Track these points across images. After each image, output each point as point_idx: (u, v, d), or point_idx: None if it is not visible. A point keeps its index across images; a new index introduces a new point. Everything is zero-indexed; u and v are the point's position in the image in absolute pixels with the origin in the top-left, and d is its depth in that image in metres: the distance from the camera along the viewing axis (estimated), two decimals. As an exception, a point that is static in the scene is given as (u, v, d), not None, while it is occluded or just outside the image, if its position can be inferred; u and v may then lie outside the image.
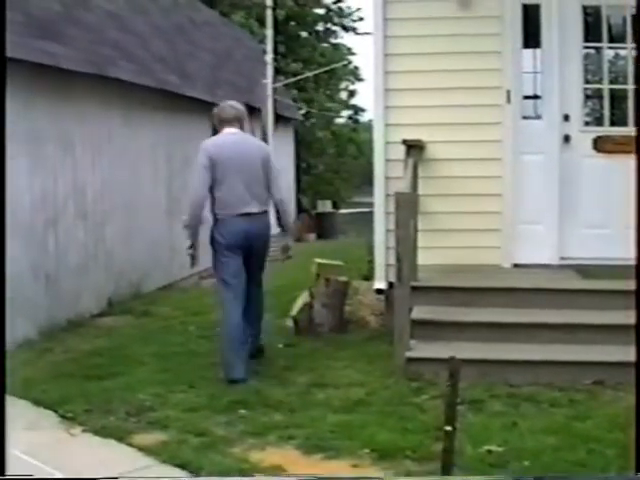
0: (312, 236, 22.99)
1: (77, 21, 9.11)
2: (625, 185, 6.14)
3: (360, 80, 33.59)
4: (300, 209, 24.36)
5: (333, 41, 32.58)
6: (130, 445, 4.60)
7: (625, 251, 5.43)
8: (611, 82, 7.20)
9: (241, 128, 6.14)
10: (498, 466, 4.10)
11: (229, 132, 6.08)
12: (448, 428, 3.51)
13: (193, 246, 5.94)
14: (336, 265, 7.65)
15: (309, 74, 26.44)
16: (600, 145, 7.15)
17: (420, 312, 6.09)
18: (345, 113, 34.07)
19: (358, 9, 31.78)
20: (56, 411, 5.15)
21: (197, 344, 7.01)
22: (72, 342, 7.25)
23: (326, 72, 28.05)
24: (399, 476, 4.10)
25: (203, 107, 12.04)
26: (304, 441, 4.57)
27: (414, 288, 6.05)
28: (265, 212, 6.05)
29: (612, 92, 7.20)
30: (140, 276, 10.01)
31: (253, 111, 16.28)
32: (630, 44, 6.98)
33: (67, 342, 7.25)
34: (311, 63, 28.59)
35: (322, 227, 24.51)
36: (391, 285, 6.67)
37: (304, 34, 30.69)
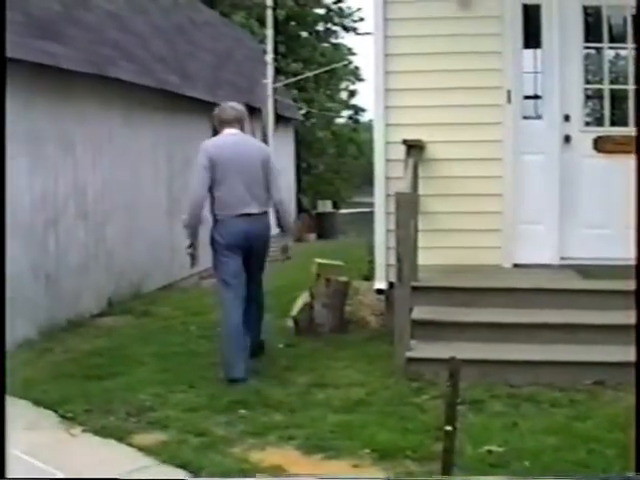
0: (312, 236, 22.98)
1: (77, 21, 9.11)
2: (625, 185, 6.14)
3: (360, 80, 33.62)
4: (300, 209, 24.36)
5: (333, 41, 32.57)
6: (130, 445, 4.60)
7: (625, 251, 5.42)
8: (611, 82, 7.20)
9: (241, 129, 6.16)
10: (498, 466, 4.10)
11: (229, 133, 6.09)
12: (448, 428, 3.50)
13: (193, 246, 5.96)
14: (336, 265, 7.65)
15: (309, 74, 26.43)
16: (600, 145, 7.14)
17: (420, 312, 6.09)
18: (345, 113, 34.07)
19: (358, 9, 31.85)
20: (56, 411, 5.15)
21: (197, 344, 7.01)
22: (72, 342, 7.25)
23: (326, 72, 28.05)
24: (399, 476, 4.10)
25: (203, 107, 12.04)
26: (304, 441, 4.57)
27: (414, 288, 6.05)
28: (265, 213, 6.05)
29: (612, 92, 7.20)
30: (140, 276, 10.01)
31: (253, 111, 16.28)
32: (630, 44, 6.98)
33: (67, 342, 7.25)
34: (311, 63, 28.58)
35: (322, 227, 24.49)
36: (391, 285, 6.67)
37: (304, 34, 30.69)
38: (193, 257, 5.99)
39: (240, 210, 5.86)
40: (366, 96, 36.59)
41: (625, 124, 7.01)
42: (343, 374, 5.88)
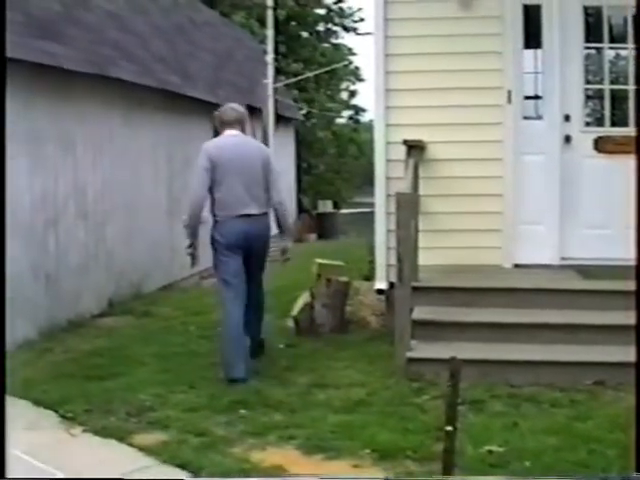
0: (313, 236, 22.97)
1: (77, 21, 9.11)
2: (626, 185, 6.14)
3: (361, 80, 33.63)
4: (301, 209, 24.36)
5: (334, 41, 32.59)
6: (130, 445, 4.60)
7: (626, 251, 5.43)
8: (612, 82, 7.20)
9: (242, 130, 6.19)
10: (499, 466, 4.10)
11: (230, 134, 6.11)
12: (449, 428, 3.50)
13: (193, 245, 5.97)
14: (337, 265, 7.65)
15: (310, 74, 26.43)
16: (601, 145, 7.14)
17: (421, 312, 6.09)
18: (346, 113, 34.08)
19: (359, 9, 31.86)
20: (56, 411, 5.15)
21: (198, 344, 7.01)
22: (72, 342, 7.25)
23: (327, 72, 28.05)
24: (400, 476, 4.10)
25: (204, 107, 12.06)
26: (305, 441, 4.57)
27: (415, 288, 6.05)
28: (265, 214, 6.07)
29: (613, 92, 7.19)
30: (141, 276, 10.01)
31: (254, 111, 16.28)
32: (631, 44, 6.97)
33: (67, 342, 7.25)
34: (312, 63, 28.58)
35: (323, 227, 24.49)
36: (392, 285, 6.67)
37: (305, 34, 30.69)
38: (193, 257, 6.00)
39: (239, 211, 5.88)
40: (366, 96, 36.62)
41: (625, 124, 7.01)
42: (343, 374, 5.88)
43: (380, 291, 7.18)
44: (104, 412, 5.10)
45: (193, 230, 5.94)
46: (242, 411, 5.08)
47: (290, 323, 7.38)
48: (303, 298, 7.40)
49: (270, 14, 21.58)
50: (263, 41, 21.99)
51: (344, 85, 34.02)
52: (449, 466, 3.53)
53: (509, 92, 7.04)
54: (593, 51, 7.30)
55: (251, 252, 5.97)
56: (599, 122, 7.30)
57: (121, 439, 4.67)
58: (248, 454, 4.42)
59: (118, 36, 10.28)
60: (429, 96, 7.07)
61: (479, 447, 4.29)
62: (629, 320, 4.69)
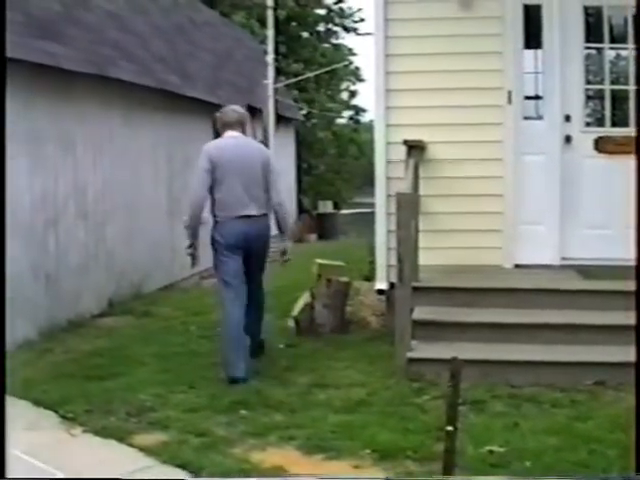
0: (313, 237, 22.96)
1: (77, 21, 9.11)
2: (626, 186, 6.15)
3: (361, 81, 33.62)
4: (301, 209, 24.34)
5: (334, 42, 32.56)
6: (131, 445, 4.60)
7: (626, 252, 5.44)
8: (612, 83, 7.20)
9: (243, 132, 6.21)
10: (499, 466, 4.10)
11: (231, 135, 6.12)
12: (449, 428, 3.50)
13: (193, 246, 5.99)
14: (337, 266, 7.65)
15: (310, 74, 26.43)
16: (601, 146, 7.14)
17: (421, 312, 6.09)
18: (346, 114, 34.06)
19: (359, 10, 31.82)
20: (56, 411, 5.15)
21: (198, 344, 7.01)
22: (72, 342, 7.25)
23: (327, 72, 28.03)
24: (400, 476, 4.10)
25: (204, 107, 12.06)
26: (305, 441, 4.57)
27: (415, 289, 6.05)
28: (265, 215, 6.08)
29: (613, 93, 7.19)
30: (141, 276, 10.01)
31: (254, 112, 16.28)
32: (631, 45, 6.97)
33: (67, 342, 7.24)
34: (312, 63, 28.57)
35: (323, 228, 24.47)
36: (392, 286, 6.67)
37: (305, 34, 30.68)
38: (193, 257, 6.02)
39: (239, 212, 5.90)
40: (367, 97, 36.57)
41: (626, 124, 7.00)
42: (344, 374, 5.88)
43: (380, 291, 7.18)
44: (104, 412, 5.10)
45: (193, 230, 5.96)
46: (242, 411, 5.08)
47: (290, 323, 7.38)
48: (303, 298, 7.40)
49: (270, 14, 21.58)
50: (263, 41, 21.99)
51: (344, 85, 34.01)
52: (450, 466, 3.53)
53: (509, 92, 7.04)
54: (593, 51, 7.30)
55: (251, 253, 5.98)
56: (599, 122, 7.30)
57: (121, 439, 4.67)
58: (248, 454, 4.42)
59: (118, 36, 10.28)
60: (429, 96, 7.06)
61: (480, 447, 4.29)
62: (629, 320, 4.69)
